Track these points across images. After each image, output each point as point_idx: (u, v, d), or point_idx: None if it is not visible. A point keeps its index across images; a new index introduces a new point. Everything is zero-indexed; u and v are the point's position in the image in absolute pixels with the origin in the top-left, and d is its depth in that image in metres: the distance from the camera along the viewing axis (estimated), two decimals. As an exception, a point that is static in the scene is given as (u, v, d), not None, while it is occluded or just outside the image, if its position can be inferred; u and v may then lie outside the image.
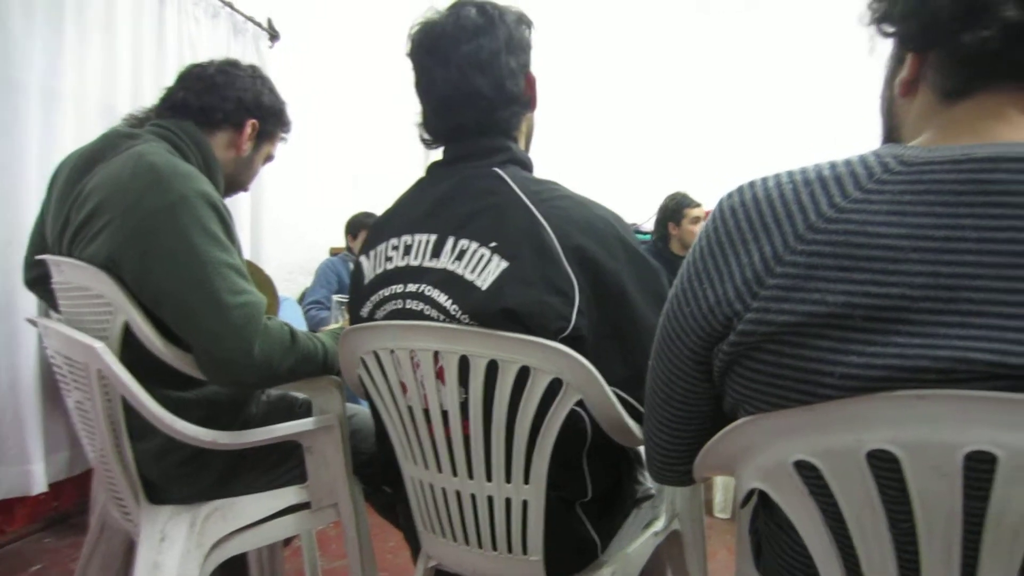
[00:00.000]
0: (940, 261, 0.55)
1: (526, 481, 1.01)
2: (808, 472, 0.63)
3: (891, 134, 0.76)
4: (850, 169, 0.61)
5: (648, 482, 1.22)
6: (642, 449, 0.90)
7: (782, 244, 0.61)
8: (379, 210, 1.27)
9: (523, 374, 0.96)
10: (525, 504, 1.02)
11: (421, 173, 1.20)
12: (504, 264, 0.98)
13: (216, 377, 1.18)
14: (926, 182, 0.58)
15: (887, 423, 0.57)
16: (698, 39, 4.88)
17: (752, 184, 0.66)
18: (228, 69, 1.43)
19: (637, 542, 1.16)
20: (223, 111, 1.39)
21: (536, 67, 1.18)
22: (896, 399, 0.56)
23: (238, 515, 1.29)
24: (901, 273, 0.56)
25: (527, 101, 1.16)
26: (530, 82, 1.16)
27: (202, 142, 1.36)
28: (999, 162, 0.56)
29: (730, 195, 0.68)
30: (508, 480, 1.02)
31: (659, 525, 1.21)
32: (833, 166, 0.62)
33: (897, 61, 0.72)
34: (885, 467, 0.59)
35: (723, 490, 2.71)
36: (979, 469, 0.55)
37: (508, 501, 1.03)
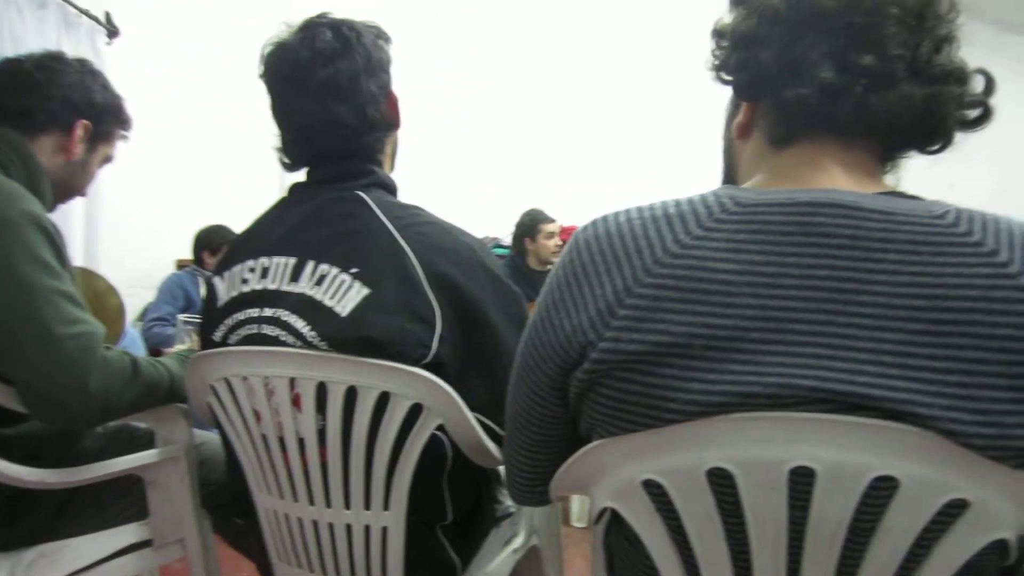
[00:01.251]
0: (768, 295, 0.60)
1: (386, 507, 1.00)
2: (655, 490, 0.67)
3: (729, 171, 0.83)
4: (692, 208, 0.65)
5: (507, 500, 1.25)
6: (502, 469, 0.92)
7: (632, 277, 0.65)
8: (233, 222, 1.22)
9: (383, 400, 0.95)
10: (385, 531, 1.01)
11: (280, 185, 1.16)
12: (365, 291, 0.97)
13: (46, 416, 1.08)
14: (758, 222, 0.62)
15: (724, 443, 0.62)
16: (557, 57, 5.06)
17: (605, 219, 0.70)
18: (50, 64, 1.27)
19: (497, 560, 1.17)
20: (47, 112, 1.25)
21: (396, 83, 1.16)
22: (732, 421, 0.61)
23: (69, 558, 1.18)
24: (735, 306, 0.61)
25: (390, 123, 1.15)
26: (392, 102, 1.15)
27: (23, 150, 1.21)
28: (818, 207, 0.62)
29: (585, 228, 0.71)
30: (367, 507, 1.00)
31: (518, 542, 1.23)
32: (678, 204, 0.67)
33: (735, 106, 0.79)
34: (722, 483, 0.63)
35: (580, 500, 2.79)
36: (801, 483, 0.61)
37: (367, 528, 1.02)
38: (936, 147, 0.71)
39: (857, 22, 0.66)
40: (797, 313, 0.60)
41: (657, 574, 0.71)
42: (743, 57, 0.71)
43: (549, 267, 3.46)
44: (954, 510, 0.60)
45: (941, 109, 0.67)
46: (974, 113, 0.70)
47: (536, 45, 5.12)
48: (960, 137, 0.71)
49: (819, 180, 0.69)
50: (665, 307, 0.63)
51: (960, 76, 0.68)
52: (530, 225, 3.73)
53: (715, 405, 0.61)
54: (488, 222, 4.32)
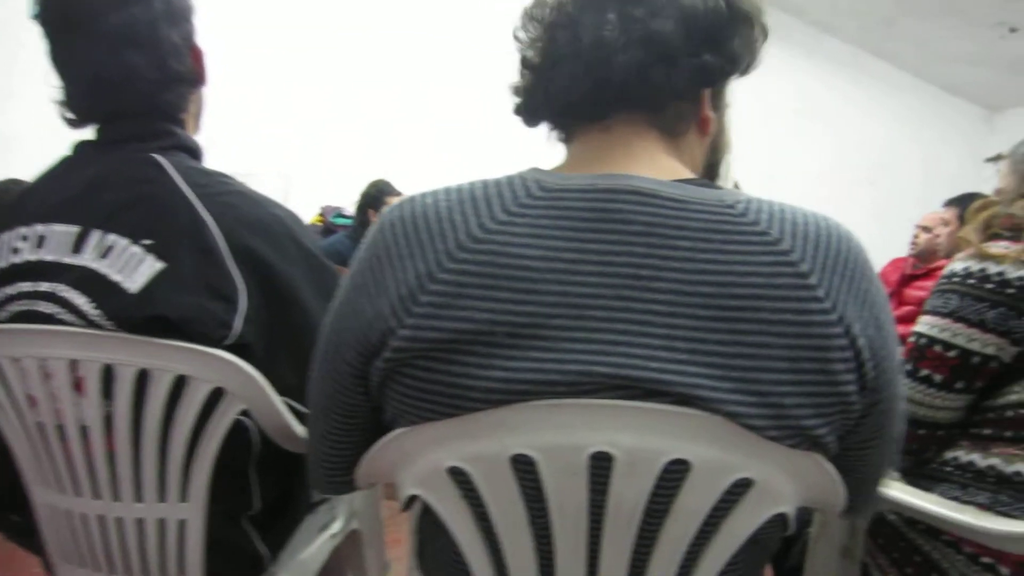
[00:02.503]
0: (569, 281, 0.60)
1: (183, 499, 0.92)
2: (460, 477, 0.65)
3: None
4: (499, 191, 0.64)
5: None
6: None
7: (435, 262, 0.62)
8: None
9: (179, 385, 0.87)
10: (182, 524, 0.93)
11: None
12: (159, 265, 0.88)
13: None
14: (560, 207, 0.63)
15: (526, 430, 0.62)
16: (407, 13, 4.92)
17: (412, 199, 0.67)
18: None
19: (311, 547, 1.12)
20: None
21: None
22: (532, 408, 0.60)
23: None
24: (537, 292, 0.60)
25: (195, 78, 1.05)
26: (196, 55, 1.04)
27: None
28: (617, 193, 0.63)
29: (391, 209, 0.68)
30: (162, 499, 0.92)
31: (336, 527, 1.18)
32: (485, 186, 0.65)
33: None
34: (525, 469, 0.63)
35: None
36: (600, 467, 0.62)
37: (162, 522, 0.93)
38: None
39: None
40: (596, 299, 0.60)
41: (463, 562, 0.69)
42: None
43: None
44: (740, 489, 0.63)
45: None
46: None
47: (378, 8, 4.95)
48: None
49: (625, 164, 0.69)
50: (467, 294, 0.61)
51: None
52: (375, 196, 3.61)
53: (516, 393, 0.60)
54: (332, 191, 4.15)
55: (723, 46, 0.71)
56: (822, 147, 6.45)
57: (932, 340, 1.08)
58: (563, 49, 0.70)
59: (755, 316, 0.60)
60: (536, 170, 0.67)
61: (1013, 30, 5.46)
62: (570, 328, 0.60)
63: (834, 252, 0.63)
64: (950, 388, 1.06)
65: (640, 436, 0.60)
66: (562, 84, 0.71)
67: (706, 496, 0.63)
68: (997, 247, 1.06)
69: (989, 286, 1.04)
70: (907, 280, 3.37)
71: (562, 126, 0.76)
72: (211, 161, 1.05)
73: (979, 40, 5.75)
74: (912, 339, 1.12)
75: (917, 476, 1.13)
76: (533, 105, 0.76)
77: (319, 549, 1.13)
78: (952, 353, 1.06)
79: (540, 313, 0.60)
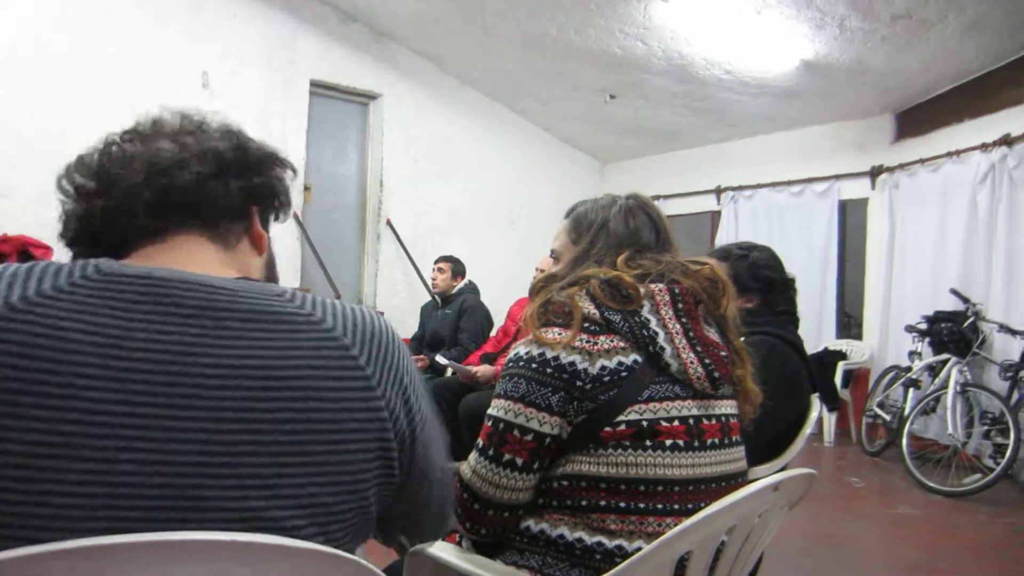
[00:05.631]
0: (112, 355, 0.60)
1: None
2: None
3: None
4: (56, 269, 0.64)
5: None
6: None
7: None
8: None
9: None
10: None
11: None
12: None
13: None
14: (112, 290, 0.63)
15: None
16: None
17: None
18: None
19: None
20: None
21: None
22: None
23: None
24: (73, 363, 0.59)
25: None
26: None
27: None
28: (170, 281, 0.66)
29: None
30: None
31: None
32: (47, 265, 0.64)
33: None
34: None
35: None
36: None
37: None
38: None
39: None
40: (139, 373, 0.61)
41: None
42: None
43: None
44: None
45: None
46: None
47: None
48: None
49: (177, 265, 0.72)
50: None
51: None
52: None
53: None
54: None
55: (265, 172, 0.83)
56: (466, 189, 6.97)
57: (509, 424, 1.13)
58: (119, 171, 0.75)
59: (301, 384, 0.65)
60: (105, 259, 0.67)
61: (613, 97, 6.49)
62: (108, 401, 0.59)
63: (371, 329, 0.72)
64: (530, 470, 1.13)
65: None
66: (122, 199, 0.74)
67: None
68: (551, 333, 1.15)
69: (549, 370, 1.12)
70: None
71: (118, 245, 0.76)
72: None
73: (587, 103, 6.73)
74: (488, 423, 1.16)
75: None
76: (89, 229, 0.76)
77: None
78: (528, 437, 1.12)
79: (75, 385, 0.58)
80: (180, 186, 0.75)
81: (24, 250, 4.02)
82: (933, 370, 4.89)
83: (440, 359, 4.24)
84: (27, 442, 0.56)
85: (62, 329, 0.60)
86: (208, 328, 0.64)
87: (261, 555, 0.58)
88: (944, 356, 4.80)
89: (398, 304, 6.36)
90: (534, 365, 1.14)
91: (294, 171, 0.88)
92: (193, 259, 0.75)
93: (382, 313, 0.78)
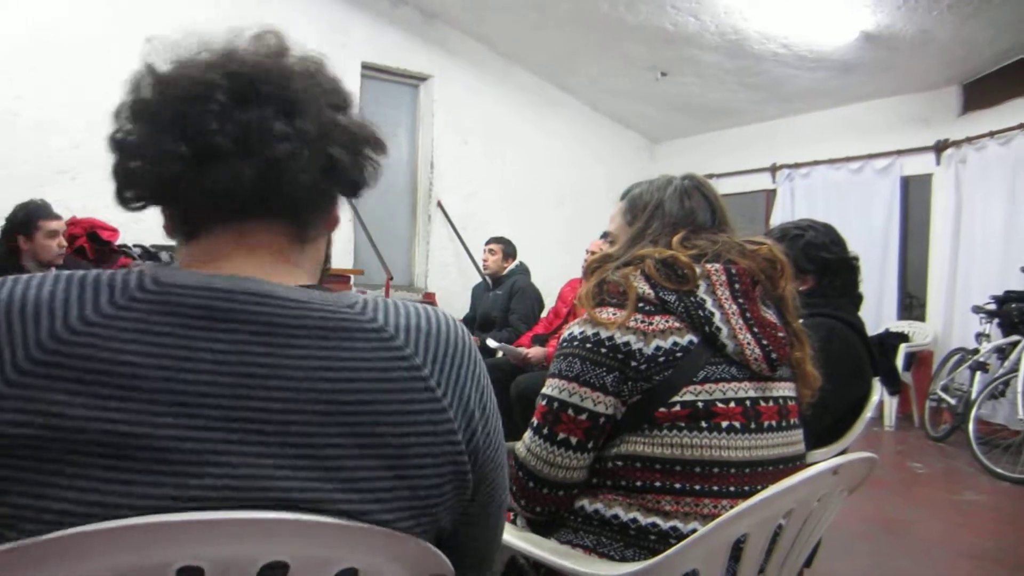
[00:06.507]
0: (178, 379, 0.58)
1: None
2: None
3: None
4: (111, 281, 0.60)
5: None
6: None
7: (22, 352, 0.56)
8: None
9: None
10: None
11: None
12: None
13: None
14: (172, 304, 0.60)
15: (95, 555, 0.55)
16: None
17: (12, 281, 0.61)
18: None
19: None
20: None
21: None
22: (98, 533, 0.54)
23: None
24: (141, 390, 0.57)
25: None
26: None
27: None
28: (234, 293, 0.61)
29: None
30: None
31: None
32: (99, 276, 0.60)
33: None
34: None
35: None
36: None
37: None
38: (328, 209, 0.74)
39: (183, 110, 0.64)
40: (208, 399, 0.58)
41: None
42: (122, 168, 0.68)
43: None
44: (348, 577, 0.63)
45: (286, 175, 0.66)
46: (352, 175, 0.71)
47: None
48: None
49: (235, 266, 0.67)
50: (57, 387, 0.56)
51: (313, 137, 0.67)
52: (24, 221, 3.11)
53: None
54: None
55: (368, 162, 0.73)
56: (516, 170, 6.95)
57: (564, 404, 1.14)
58: (227, 146, 0.64)
59: (370, 408, 0.62)
60: (157, 265, 0.64)
61: (664, 74, 6.38)
62: (179, 427, 0.57)
63: (444, 343, 0.68)
64: (584, 449, 1.14)
65: (224, 546, 0.57)
66: (222, 178, 0.64)
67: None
68: (605, 313, 1.15)
69: (603, 350, 1.13)
70: (581, 298, 3.73)
71: (194, 221, 0.69)
72: None
73: (638, 81, 6.63)
74: (543, 402, 1.17)
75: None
76: (173, 193, 0.67)
77: None
78: (583, 416, 1.13)
79: (145, 411, 0.56)
80: (288, 181, 0.66)
81: (92, 232, 4.16)
82: (1002, 352, 4.69)
83: (491, 342, 4.26)
84: (97, 479, 0.56)
85: (126, 352, 0.57)
86: (272, 346, 0.61)
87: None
88: (1014, 338, 4.60)
89: (449, 286, 6.42)
90: (588, 345, 1.14)
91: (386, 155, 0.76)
92: (267, 260, 0.69)
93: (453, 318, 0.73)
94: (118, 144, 0.67)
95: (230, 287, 0.62)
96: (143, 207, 0.70)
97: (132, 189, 0.68)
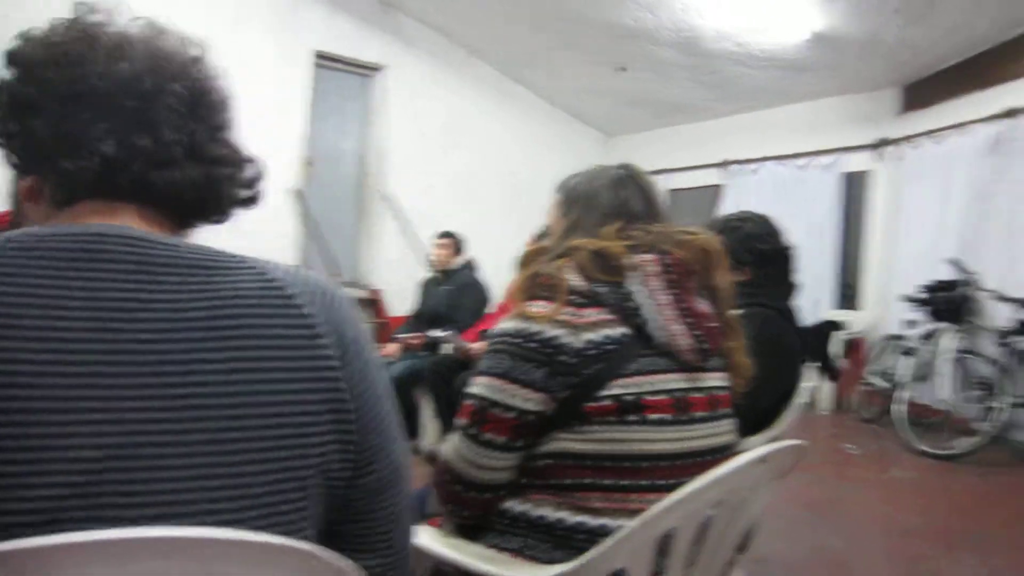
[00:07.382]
0: (52, 316, 0.58)
1: None
2: None
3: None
4: None
5: None
6: None
7: None
8: None
9: None
10: None
11: None
12: None
13: None
14: (43, 249, 0.61)
15: None
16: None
17: None
18: None
19: None
20: None
21: None
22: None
23: None
24: (15, 328, 0.57)
25: None
26: None
27: None
28: (106, 236, 0.63)
29: None
30: None
31: None
32: None
33: (20, 170, 0.74)
34: None
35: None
36: None
37: None
38: (216, 219, 0.78)
39: (129, 105, 0.68)
40: (83, 333, 0.59)
41: None
42: (15, 128, 0.69)
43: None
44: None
45: (216, 188, 0.74)
46: (246, 193, 0.79)
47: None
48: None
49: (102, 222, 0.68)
50: None
51: (233, 161, 0.76)
52: None
53: None
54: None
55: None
56: (470, 162, 6.92)
57: (491, 402, 1.10)
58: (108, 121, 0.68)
59: (248, 332, 0.63)
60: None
61: (623, 68, 6.44)
62: (56, 363, 0.57)
63: (318, 284, 0.70)
64: (511, 448, 1.10)
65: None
66: (115, 154, 0.67)
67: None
68: (535, 307, 1.11)
69: (532, 345, 1.09)
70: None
71: (72, 191, 0.70)
72: None
73: (595, 75, 6.68)
74: (471, 402, 1.13)
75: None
76: (59, 165, 0.68)
77: None
78: (511, 414, 1.09)
79: (21, 349, 0.56)
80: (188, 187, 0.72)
81: None
82: (929, 338, 4.92)
83: (433, 333, 4.19)
84: None
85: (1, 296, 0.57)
86: (143, 283, 0.62)
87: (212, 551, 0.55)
88: (940, 324, 4.83)
89: (398, 281, 6.25)
90: (518, 340, 1.11)
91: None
92: (136, 222, 0.70)
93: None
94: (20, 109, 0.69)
95: (102, 231, 0.64)
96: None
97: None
